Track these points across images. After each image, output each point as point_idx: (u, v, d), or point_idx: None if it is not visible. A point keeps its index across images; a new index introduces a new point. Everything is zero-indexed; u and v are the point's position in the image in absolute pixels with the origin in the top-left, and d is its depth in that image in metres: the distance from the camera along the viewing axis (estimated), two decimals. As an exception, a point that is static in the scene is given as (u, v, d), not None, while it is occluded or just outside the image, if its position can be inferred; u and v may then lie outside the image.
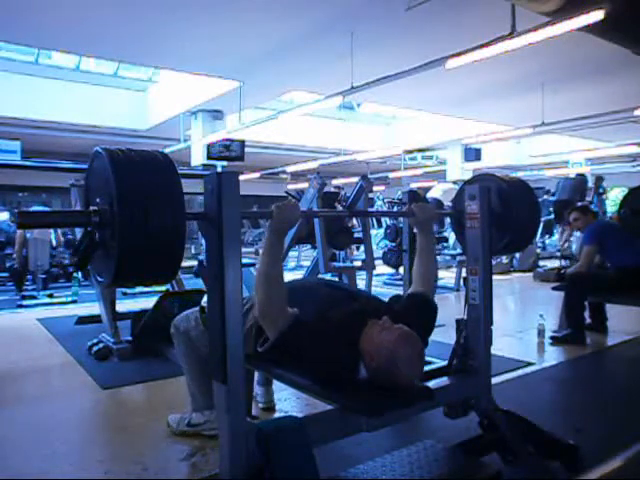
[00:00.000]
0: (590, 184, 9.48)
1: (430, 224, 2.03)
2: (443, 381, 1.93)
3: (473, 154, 12.04)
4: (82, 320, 4.47)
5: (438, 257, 9.06)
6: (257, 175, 13.87)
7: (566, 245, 8.66)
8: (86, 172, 1.50)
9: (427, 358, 1.94)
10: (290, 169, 13.68)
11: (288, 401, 2.72)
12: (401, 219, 5.61)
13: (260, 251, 1.46)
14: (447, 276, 7.62)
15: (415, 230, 2.05)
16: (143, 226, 1.28)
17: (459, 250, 7.65)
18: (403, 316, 1.77)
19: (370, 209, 9.54)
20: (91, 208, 1.38)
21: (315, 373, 1.69)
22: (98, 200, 1.37)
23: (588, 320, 4.11)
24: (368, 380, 1.69)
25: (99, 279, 1.45)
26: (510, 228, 2.16)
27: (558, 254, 9.32)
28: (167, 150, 9.89)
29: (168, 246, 1.34)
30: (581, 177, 9.30)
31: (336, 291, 1.93)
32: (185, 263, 5.40)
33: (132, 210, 1.27)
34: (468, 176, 12.63)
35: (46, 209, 7.68)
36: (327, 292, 1.91)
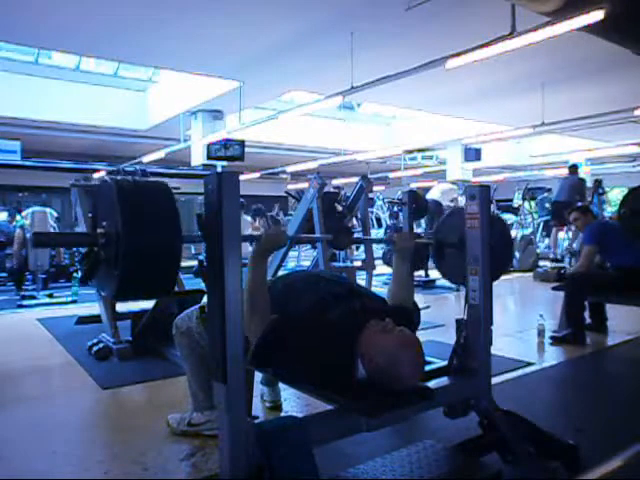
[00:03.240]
0: (589, 184, 9.50)
1: (409, 252, 2.11)
2: (443, 381, 1.93)
3: (473, 154, 12.05)
4: (82, 320, 4.47)
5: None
6: (257, 175, 13.88)
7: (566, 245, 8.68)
8: (93, 197, 1.68)
9: (427, 358, 1.94)
10: (290, 169, 13.69)
11: (288, 401, 2.72)
12: (401, 219, 5.60)
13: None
14: (447, 276, 7.60)
15: (394, 257, 2.14)
16: (144, 247, 1.45)
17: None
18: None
19: (370, 209, 9.56)
20: (98, 231, 1.55)
21: (310, 373, 1.68)
22: (104, 223, 1.55)
23: (588, 320, 4.11)
24: (368, 380, 1.69)
25: (102, 293, 1.60)
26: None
27: (551, 255, 9.37)
28: (167, 150, 9.92)
29: (165, 265, 1.51)
30: (579, 178, 9.30)
31: (337, 286, 1.93)
32: (185, 263, 5.41)
33: (135, 234, 1.44)
34: (468, 176, 12.70)
35: (45, 209, 7.66)
36: (327, 287, 1.90)
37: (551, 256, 9.44)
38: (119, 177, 1.59)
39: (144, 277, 1.49)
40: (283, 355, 1.67)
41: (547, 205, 10.24)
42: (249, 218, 7.05)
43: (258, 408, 2.59)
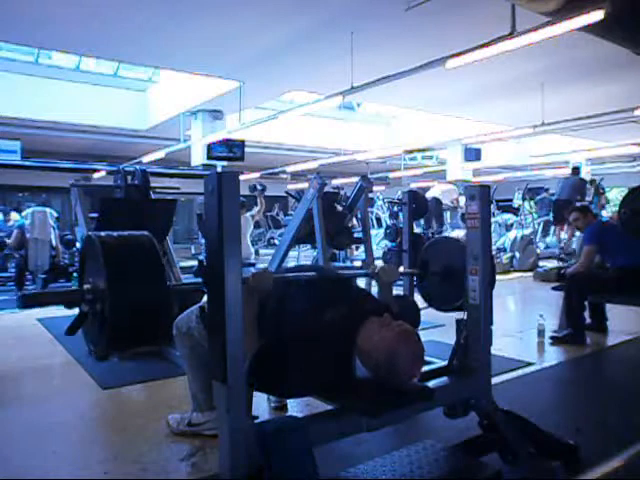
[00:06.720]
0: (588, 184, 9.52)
1: (391, 285, 2.14)
2: (443, 381, 1.93)
3: (473, 154, 12.05)
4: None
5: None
6: (257, 175, 13.87)
7: (564, 245, 8.68)
8: (80, 254, 1.77)
9: (427, 358, 1.94)
10: (290, 169, 13.68)
11: (288, 401, 2.71)
12: (401, 219, 5.59)
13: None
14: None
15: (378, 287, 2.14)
16: (131, 302, 1.49)
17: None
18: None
19: (370, 209, 9.56)
20: (85, 287, 1.59)
21: (308, 379, 1.67)
22: (91, 279, 1.59)
23: (588, 320, 4.10)
24: (368, 380, 1.68)
25: (93, 348, 1.66)
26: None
27: (557, 254, 9.36)
28: (167, 150, 9.91)
29: (154, 316, 1.55)
30: (580, 178, 9.32)
31: (334, 289, 1.92)
32: (185, 263, 5.41)
33: (121, 289, 1.48)
34: (468, 176, 12.69)
35: (45, 209, 7.67)
36: (325, 288, 1.90)
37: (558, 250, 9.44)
38: (103, 233, 1.60)
39: (132, 331, 1.54)
40: (280, 368, 1.66)
41: (548, 202, 10.26)
42: (248, 214, 7.04)
43: (263, 408, 2.59)
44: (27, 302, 1.62)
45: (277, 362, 1.65)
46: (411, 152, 13.46)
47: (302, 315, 1.74)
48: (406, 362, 1.60)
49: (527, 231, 9.46)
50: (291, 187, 12.75)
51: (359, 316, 1.72)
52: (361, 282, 5.36)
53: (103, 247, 1.52)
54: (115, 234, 1.63)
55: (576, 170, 9.57)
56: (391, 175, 15.11)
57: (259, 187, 7.86)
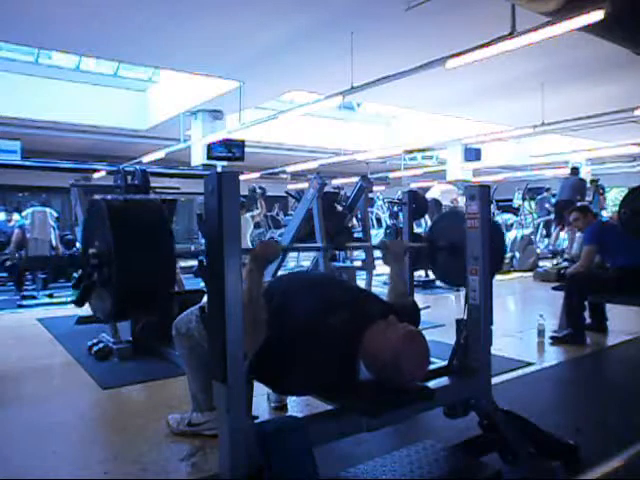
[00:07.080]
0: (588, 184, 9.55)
1: (401, 257, 2.18)
2: (443, 381, 1.93)
3: (473, 154, 12.05)
4: (82, 320, 4.46)
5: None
6: (257, 175, 13.87)
7: (563, 245, 8.68)
8: (85, 218, 1.64)
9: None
10: (290, 169, 13.68)
11: (288, 401, 2.71)
12: (401, 219, 5.60)
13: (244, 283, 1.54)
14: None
15: (387, 262, 2.17)
16: (138, 265, 1.45)
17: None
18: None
19: (370, 209, 9.56)
20: (90, 251, 1.53)
21: (311, 381, 1.68)
22: (97, 243, 1.53)
23: (588, 320, 4.11)
24: (368, 380, 1.68)
25: (99, 315, 1.61)
26: None
27: (551, 255, 9.40)
28: (167, 150, 9.91)
29: (160, 281, 1.51)
30: (579, 178, 9.34)
31: (337, 290, 1.92)
32: (185, 263, 5.40)
33: (128, 252, 1.43)
34: (468, 176, 12.68)
35: (45, 209, 7.67)
36: (328, 291, 1.90)
37: (550, 248, 9.50)
38: (109, 196, 1.55)
39: (139, 297, 1.49)
40: (282, 368, 1.66)
41: (547, 205, 10.28)
42: (248, 215, 7.06)
43: (263, 408, 2.59)
44: (32, 265, 1.60)
45: (280, 362, 1.65)
46: (411, 152, 13.44)
47: (306, 317, 1.74)
48: (412, 363, 1.60)
49: (527, 231, 9.47)
50: (291, 187, 12.76)
51: (364, 319, 1.72)
52: (361, 283, 5.38)
53: (109, 210, 1.46)
54: (121, 197, 1.60)
55: (575, 170, 9.58)
56: (391, 175, 15.09)
57: (259, 190, 7.85)
